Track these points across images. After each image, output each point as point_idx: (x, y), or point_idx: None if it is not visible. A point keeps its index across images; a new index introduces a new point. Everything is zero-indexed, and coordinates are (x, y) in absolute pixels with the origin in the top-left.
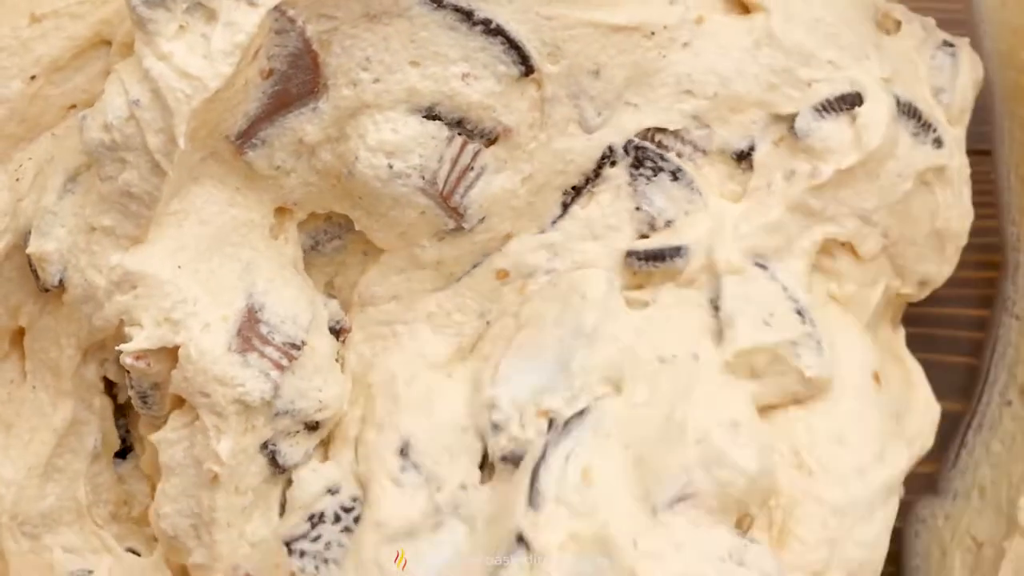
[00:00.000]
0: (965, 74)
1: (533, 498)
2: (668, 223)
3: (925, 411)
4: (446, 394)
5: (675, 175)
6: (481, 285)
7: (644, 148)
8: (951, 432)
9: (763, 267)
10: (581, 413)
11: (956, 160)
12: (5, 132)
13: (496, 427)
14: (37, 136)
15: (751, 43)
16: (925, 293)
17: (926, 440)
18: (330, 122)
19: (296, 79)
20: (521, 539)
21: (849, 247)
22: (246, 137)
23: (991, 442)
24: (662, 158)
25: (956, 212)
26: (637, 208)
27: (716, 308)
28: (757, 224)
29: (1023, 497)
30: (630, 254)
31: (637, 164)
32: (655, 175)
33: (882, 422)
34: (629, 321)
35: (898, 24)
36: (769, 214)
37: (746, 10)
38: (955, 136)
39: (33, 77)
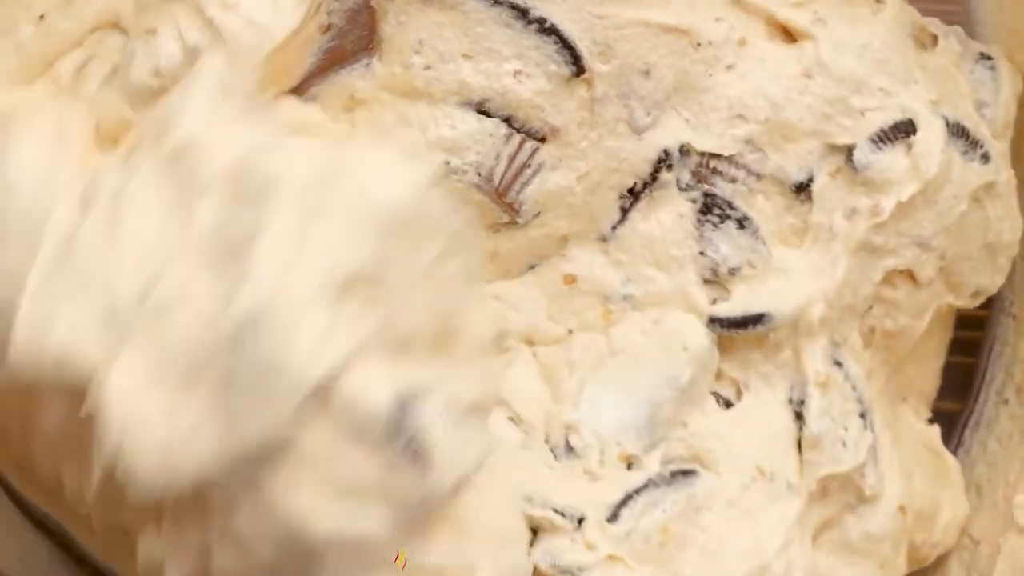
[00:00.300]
0: (1007, 87)
1: (612, 517)
2: (732, 271)
3: (953, 514)
4: (524, 360)
5: (741, 224)
6: (547, 285)
7: (713, 195)
8: (948, 431)
9: (839, 364)
10: (687, 474)
11: (1004, 174)
12: (21, 80)
13: (571, 450)
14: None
15: (800, 71)
16: (978, 302)
17: (950, 541)
18: (382, 85)
19: (352, 35)
20: (582, 521)
21: (908, 274)
22: (298, 93)
23: (988, 440)
24: (731, 206)
25: (1007, 224)
26: (701, 253)
27: (799, 415)
28: (830, 286)
29: (1019, 495)
30: (712, 320)
31: (705, 211)
32: (722, 222)
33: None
34: (724, 414)
35: (934, 38)
36: (837, 268)
37: (789, 37)
38: (1001, 150)
39: (42, 16)
